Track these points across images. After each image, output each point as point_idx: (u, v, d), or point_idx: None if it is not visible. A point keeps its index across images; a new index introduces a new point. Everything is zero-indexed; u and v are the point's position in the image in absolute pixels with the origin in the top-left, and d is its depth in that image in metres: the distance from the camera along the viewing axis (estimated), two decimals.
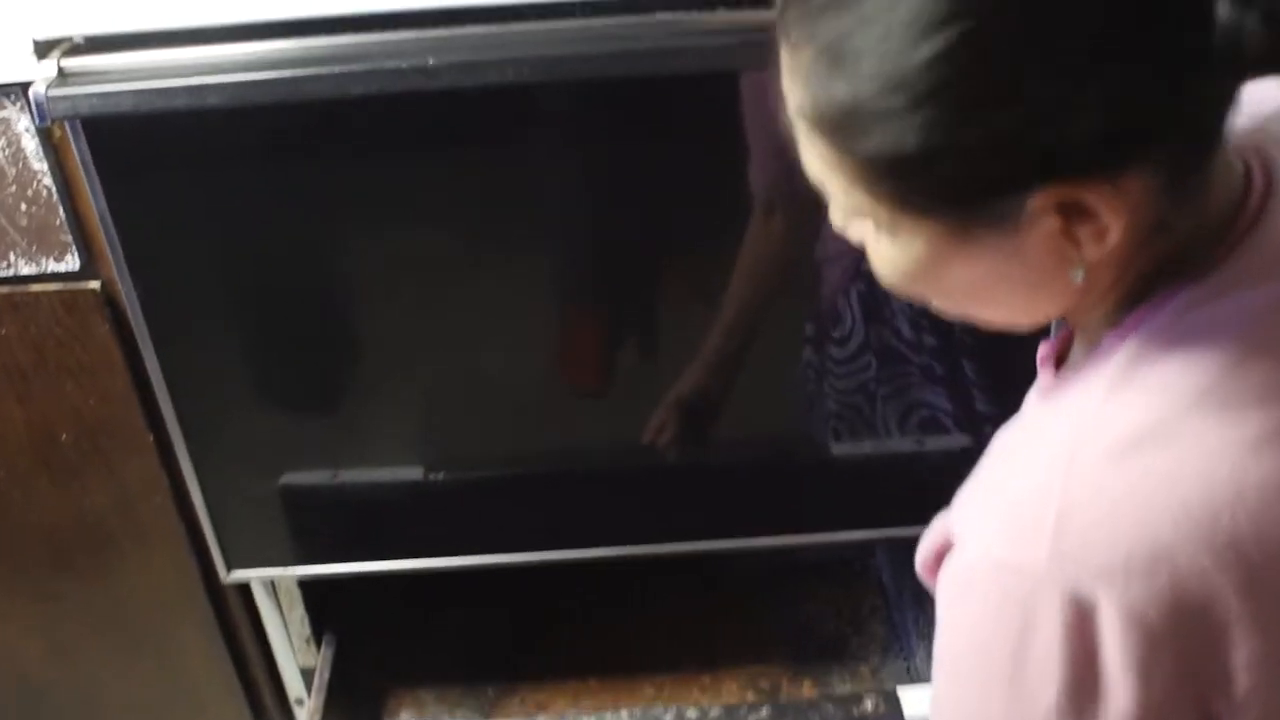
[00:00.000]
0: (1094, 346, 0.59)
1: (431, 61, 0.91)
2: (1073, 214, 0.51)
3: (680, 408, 1.17)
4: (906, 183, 0.52)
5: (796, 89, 0.54)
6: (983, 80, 0.48)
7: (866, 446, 1.25)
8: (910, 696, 1.17)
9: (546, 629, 1.49)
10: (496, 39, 0.95)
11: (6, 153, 1.03)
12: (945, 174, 0.51)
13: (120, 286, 1.08)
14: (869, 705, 1.09)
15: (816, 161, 0.56)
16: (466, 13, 0.95)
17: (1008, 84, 0.48)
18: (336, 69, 0.93)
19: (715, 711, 1.10)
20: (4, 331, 1.12)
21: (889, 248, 0.56)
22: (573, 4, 0.95)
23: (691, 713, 1.11)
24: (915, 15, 0.48)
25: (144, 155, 1.01)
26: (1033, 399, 0.66)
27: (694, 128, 1.03)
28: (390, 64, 0.92)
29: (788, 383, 1.20)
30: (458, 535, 1.30)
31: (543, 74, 0.92)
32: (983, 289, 0.57)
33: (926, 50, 0.48)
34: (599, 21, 0.94)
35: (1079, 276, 0.54)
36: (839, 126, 0.52)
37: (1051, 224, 0.52)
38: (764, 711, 1.10)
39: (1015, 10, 0.48)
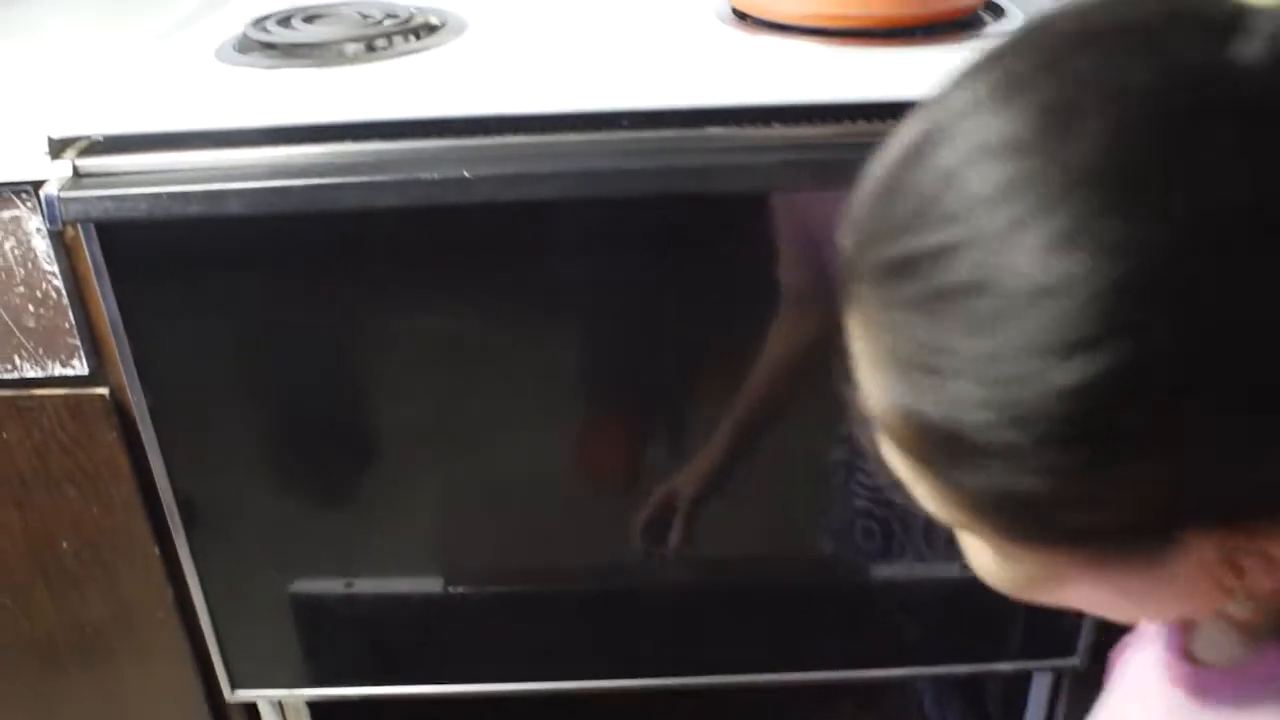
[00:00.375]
0: (1259, 643, 0.48)
1: (467, 174, 0.85)
2: (1238, 550, 0.41)
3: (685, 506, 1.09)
4: (1023, 521, 0.41)
5: (869, 376, 0.43)
6: (1135, 418, 0.37)
7: (906, 568, 1.17)
8: None
9: None
10: (532, 149, 0.89)
11: (16, 253, 0.98)
12: (1077, 520, 0.40)
13: (129, 392, 1.02)
14: None
15: (898, 465, 0.45)
16: (502, 121, 0.89)
17: (1168, 423, 0.37)
18: (365, 179, 0.87)
19: None
20: (5, 436, 1.06)
21: (993, 563, 0.47)
22: (618, 115, 0.88)
23: None
24: (1044, 331, 0.37)
25: (158, 260, 0.96)
26: (1162, 682, 0.55)
27: (728, 236, 0.97)
28: (424, 175, 0.86)
29: (816, 492, 1.12)
30: (476, 659, 1.22)
31: (588, 189, 0.86)
32: (1109, 604, 0.47)
33: (1060, 378, 0.37)
34: (647, 135, 0.88)
35: (1239, 604, 0.45)
36: (931, 451, 0.41)
37: (1208, 555, 0.42)
38: None
39: (1190, 330, 0.36)
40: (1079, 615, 1.10)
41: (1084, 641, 1.13)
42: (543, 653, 1.21)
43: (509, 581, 1.19)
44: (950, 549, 1.11)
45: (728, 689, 1.26)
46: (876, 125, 0.88)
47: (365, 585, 1.18)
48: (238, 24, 1.07)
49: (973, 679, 1.47)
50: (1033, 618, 1.12)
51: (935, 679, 1.53)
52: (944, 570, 1.16)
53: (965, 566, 0.49)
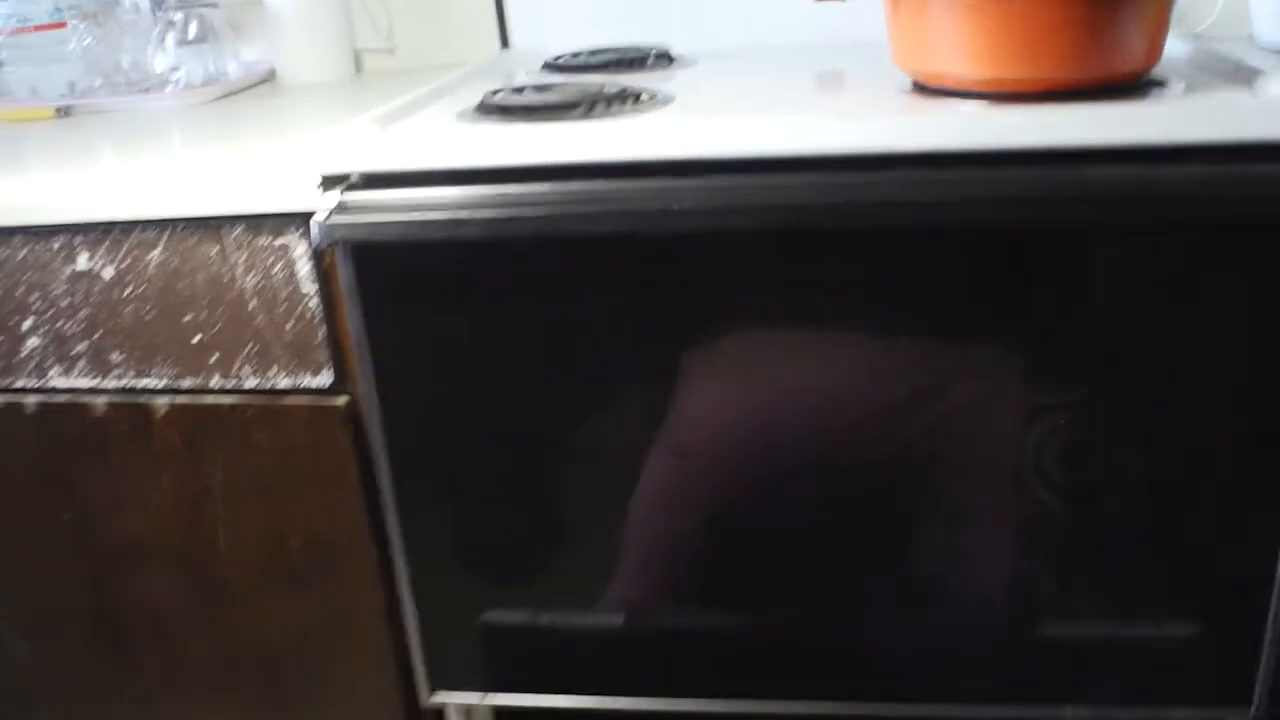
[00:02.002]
0: None
1: (675, 208, 0.97)
2: None
3: None
4: None
5: None
6: None
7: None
8: None
9: None
10: (729, 187, 1.00)
11: (281, 275, 1.13)
12: None
13: (365, 403, 1.15)
14: None
15: None
16: (704, 164, 1.01)
17: None
18: (584, 209, 0.99)
19: None
20: (257, 439, 1.20)
21: None
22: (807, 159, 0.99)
23: None
24: None
25: (402, 282, 1.10)
26: None
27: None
28: (645, 207, 0.98)
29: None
30: (668, 675, 1.28)
31: (787, 221, 0.96)
32: None
33: None
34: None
35: None
36: None
37: None
38: None
39: None
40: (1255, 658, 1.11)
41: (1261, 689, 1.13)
42: (737, 670, 1.26)
43: (708, 600, 1.24)
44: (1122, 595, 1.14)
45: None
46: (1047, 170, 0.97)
47: (563, 601, 1.26)
48: (475, 97, 1.23)
49: None
50: (1207, 661, 1.14)
51: None
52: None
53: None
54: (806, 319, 1.08)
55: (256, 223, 1.12)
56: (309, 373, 1.17)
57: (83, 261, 1.18)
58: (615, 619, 1.26)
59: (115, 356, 1.21)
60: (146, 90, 1.62)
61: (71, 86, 1.65)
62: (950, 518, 1.14)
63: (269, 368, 1.18)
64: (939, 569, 1.16)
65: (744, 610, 1.23)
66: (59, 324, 1.21)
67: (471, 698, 1.33)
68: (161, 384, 1.21)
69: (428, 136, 1.08)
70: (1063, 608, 1.17)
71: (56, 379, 1.23)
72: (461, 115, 1.19)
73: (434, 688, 1.31)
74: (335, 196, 1.06)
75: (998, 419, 1.09)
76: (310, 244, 1.11)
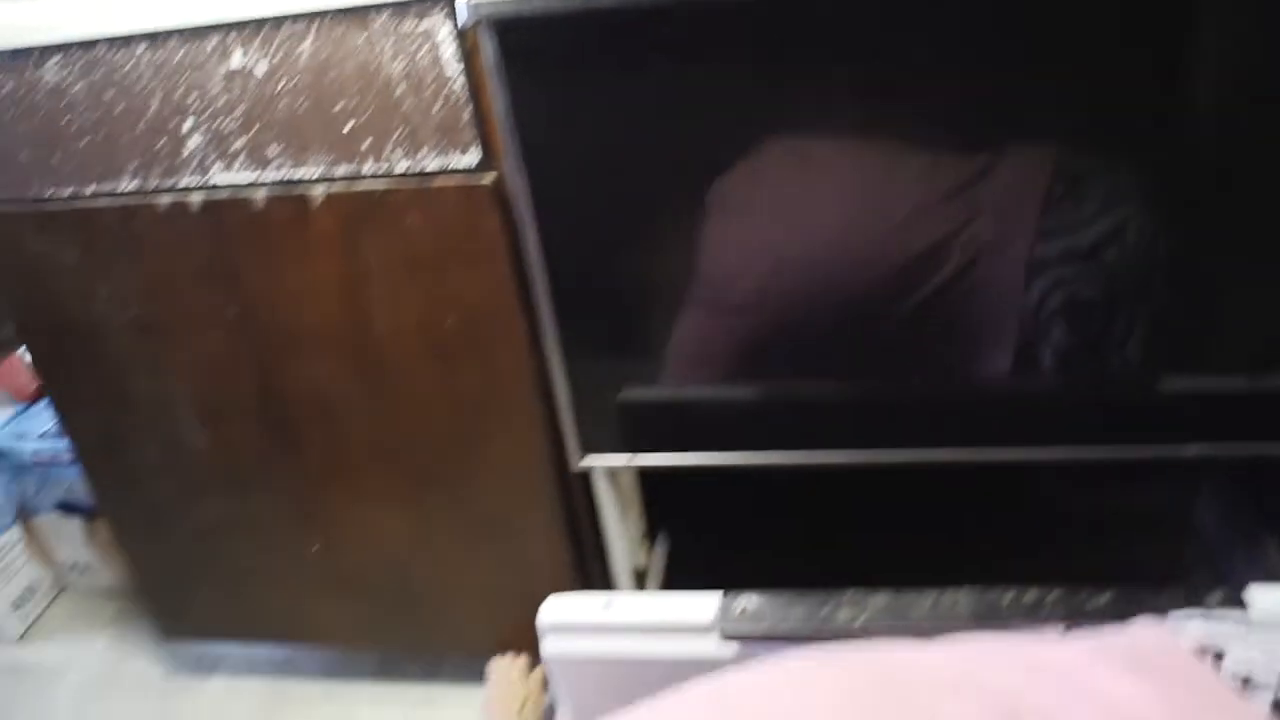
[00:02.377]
0: None
1: None
2: None
3: None
4: None
5: None
6: None
7: None
8: (1261, 595, 1.14)
9: (875, 539, 1.54)
10: None
11: (427, 58, 1.18)
12: None
13: (511, 181, 1.21)
14: (1217, 597, 1.09)
15: None
16: None
17: None
18: None
19: (1055, 595, 1.13)
20: (410, 221, 1.27)
21: None
22: None
23: (1030, 595, 1.14)
24: None
25: (545, 58, 1.13)
26: None
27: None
28: None
29: None
30: (797, 433, 1.35)
31: None
32: None
33: None
34: None
35: None
36: None
37: None
38: (1106, 597, 1.12)
39: None
40: None
41: None
42: (860, 426, 1.33)
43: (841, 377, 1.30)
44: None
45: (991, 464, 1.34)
46: None
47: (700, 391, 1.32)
48: None
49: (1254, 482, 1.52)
50: None
51: (1219, 500, 1.59)
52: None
53: None
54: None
55: (401, 9, 1.16)
56: (457, 151, 1.22)
57: (236, 59, 1.23)
58: (753, 383, 1.32)
59: (272, 150, 1.27)
60: None
61: None
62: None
63: (418, 150, 1.23)
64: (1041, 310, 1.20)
65: (859, 377, 1.30)
66: (217, 122, 1.27)
67: (618, 459, 1.41)
68: (317, 173, 1.27)
69: None
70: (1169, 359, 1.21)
71: (218, 176, 1.30)
72: None
73: (583, 452, 1.40)
74: None
75: None
76: (454, 25, 1.14)
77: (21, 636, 1.99)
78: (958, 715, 0.70)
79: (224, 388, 1.48)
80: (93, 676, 1.88)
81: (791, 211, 1.19)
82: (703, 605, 1.25)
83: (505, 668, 1.67)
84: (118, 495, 1.65)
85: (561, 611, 1.27)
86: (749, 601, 1.24)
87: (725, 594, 1.25)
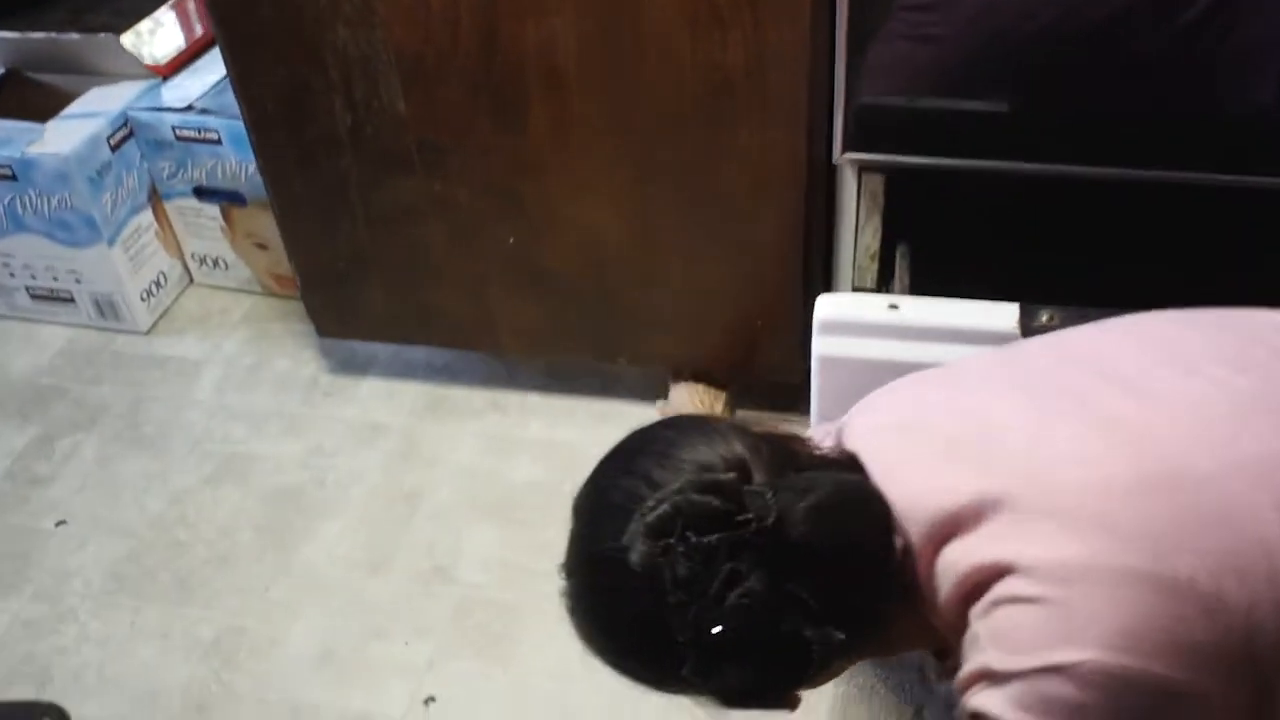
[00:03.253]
0: None
1: None
2: None
3: None
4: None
5: None
6: None
7: None
8: None
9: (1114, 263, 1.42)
10: None
11: None
12: None
13: None
14: None
15: None
16: None
17: None
18: None
19: None
20: None
21: None
22: None
23: None
24: None
25: None
26: None
27: None
28: None
29: None
30: (1068, 147, 1.23)
31: None
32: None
33: None
34: None
35: None
36: None
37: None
38: None
39: None
40: None
41: None
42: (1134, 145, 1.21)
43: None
44: None
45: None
46: None
47: None
48: None
49: None
50: None
51: None
52: None
53: None
54: None
55: None
56: None
57: None
58: (1017, 96, 1.20)
59: None
60: None
61: None
62: None
63: None
64: None
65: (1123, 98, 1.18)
66: None
67: (880, 157, 1.28)
68: None
69: None
70: None
71: None
72: None
73: (845, 148, 1.26)
74: None
75: None
76: None
77: (150, 330, 1.89)
78: None
79: (439, 44, 1.32)
80: (234, 372, 1.79)
81: None
82: (1000, 313, 1.13)
83: (693, 393, 1.57)
84: (290, 172, 1.51)
85: (839, 309, 1.16)
86: (1051, 312, 1.12)
87: (1023, 304, 1.14)
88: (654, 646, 0.70)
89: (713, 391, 1.60)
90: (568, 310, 1.54)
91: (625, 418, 1.62)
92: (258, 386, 1.76)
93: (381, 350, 1.77)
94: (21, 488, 1.63)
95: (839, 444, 0.81)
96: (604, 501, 0.74)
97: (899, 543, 0.74)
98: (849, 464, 0.78)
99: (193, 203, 1.84)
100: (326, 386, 1.74)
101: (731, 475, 0.70)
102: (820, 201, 1.36)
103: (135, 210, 1.83)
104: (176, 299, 1.95)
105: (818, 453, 0.78)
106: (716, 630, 0.67)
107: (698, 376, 1.59)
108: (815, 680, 0.76)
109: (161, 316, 1.91)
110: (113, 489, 1.61)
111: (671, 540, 0.68)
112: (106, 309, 1.86)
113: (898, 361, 1.15)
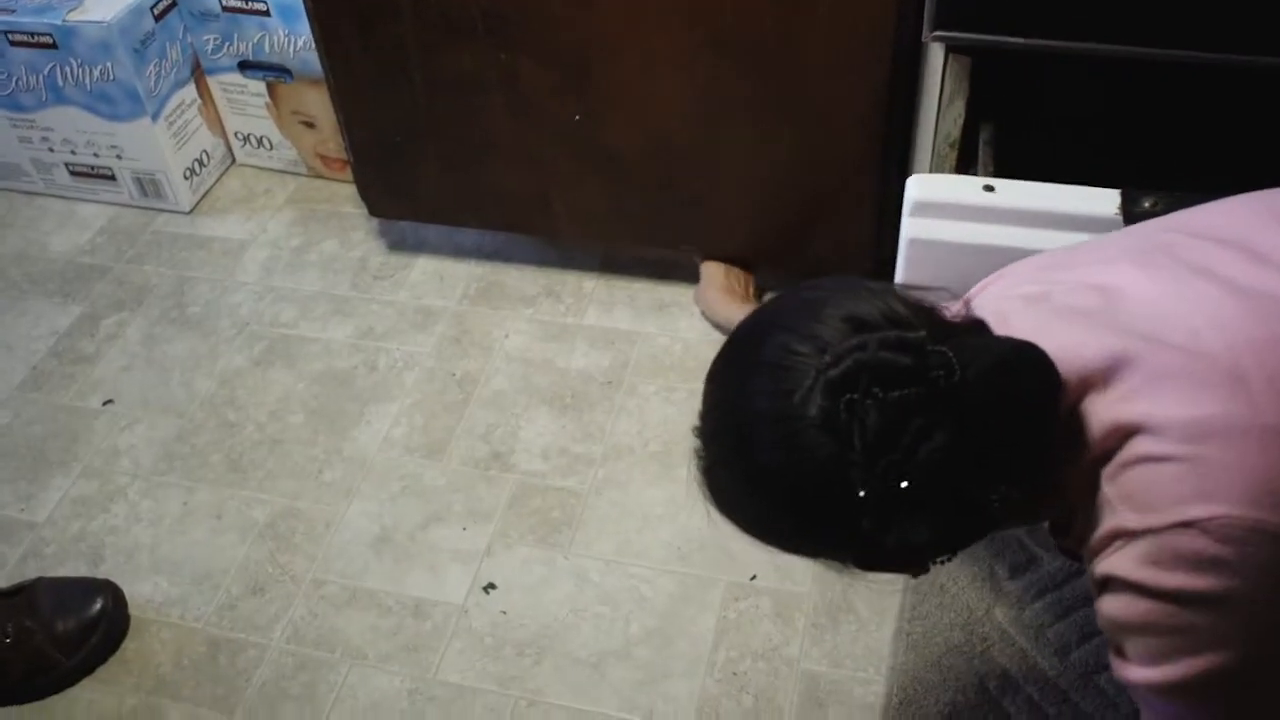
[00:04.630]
0: None
1: None
2: None
3: None
4: None
5: None
6: None
7: None
8: None
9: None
10: None
11: None
12: None
13: None
14: None
15: None
16: None
17: None
18: None
19: None
20: None
21: None
22: None
23: None
24: None
25: None
26: None
27: None
28: None
29: None
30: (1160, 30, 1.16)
31: None
32: None
33: None
34: None
35: None
36: None
37: None
38: None
39: None
40: None
41: None
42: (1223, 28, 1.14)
43: None
44: None
45: None
46: None
47: None
48: None
49: None
50: None
51: None
52: None
53: None
54: None
55: None
56: None
57: None
58: None
59: None
60: None
61: None
62: None
63: None
64: None
65: None
66: None
67: (970, 36, 1.21)
68: None
69: None
70: None
71: None
72: None
73: (935, 25, 1.19)
74: None
75: None
76: None
77: (192, 210, 1.84)
78: None
79: None
80: (280, 254, 1.75)
81: None
82: (1101, 198, 1.07)
83: (727, 272, 1.53)
84: (347, 38, 1.44)
85: (933, 190, 1.11)
86: (1156, 198, 1.06)
87: (1125, 190, 1.08)
88: (822, 503, 0.68)
89: (744, 274, 1.56)
90: (629, 194, 1.49)
91: (684, 307, 1.58)
92: (305, 269, 1.71)
93: (432, 233, 1.72)
94: (67, 366, 1.60)
95: (969, 313, 0.77)
96: (755, 360, 0.71)
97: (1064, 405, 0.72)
98: (985, 329, 0.74)
99: (237, 78, 1.78)
100: (376, 270, 1.70)
101: (920, 333, 0.67)
102: (903, 84, 1.30)
103: (179, 84, 1.77)
104: (219, 179, 1.90)
105: (957, 319, 0.74)
106: (905, 484, 0.65)
107: (728, 259, 1.54)
108: (975, 539, 0.74)
109: (204, 196, 1.87)
110: (160, 369, 1.58)
111: (856, 395, 0.65)
112: (149, 187, 1.81)
113: (991, 246, 1.10)
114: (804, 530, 0.73)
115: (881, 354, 0.66)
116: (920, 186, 1.11)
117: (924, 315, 0.71)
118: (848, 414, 0.66)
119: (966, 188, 1.10)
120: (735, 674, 1.19)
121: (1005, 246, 1.09)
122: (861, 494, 0.66)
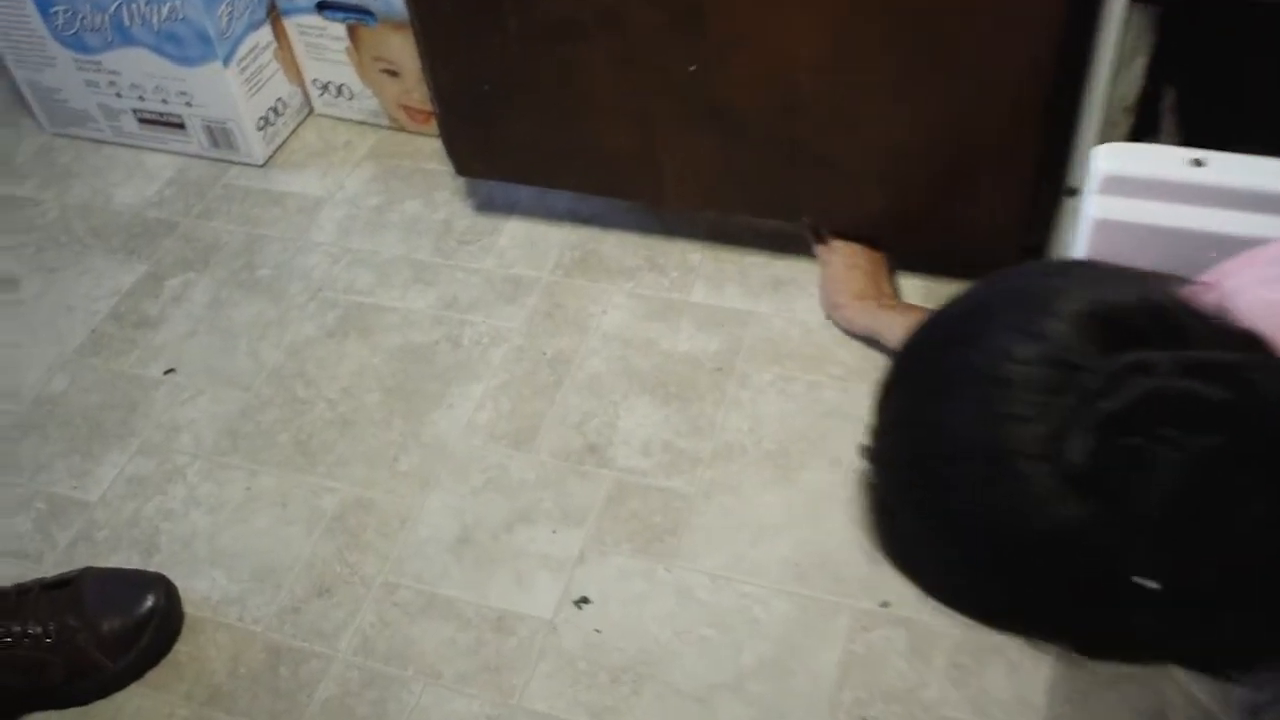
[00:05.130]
0: None
1: None
2: None
3: None
4: None
5: None
6: None
7: None
8: None
9: None
10: None
11: None
12: None
13: None
14: None
15: None
16: None
17: None
18: None
19: None
20: None
21: None
22: None
23: None
24: None
25: None
26: None
27: None
28: None
29: None
30: None
31: None
32: None
33: None
34: None
35: None
36: None
37: None
38: None
39: None
40: None
41: None
42: None
43: None
44: None
45: None
46: None
47: None
48: None
49: None
50: None
51: None
52: None
53: None
54: None
55: None
56: None
57: None
58: None
59: None
60: None
61: None
62: None
63: None
64: None
65: None
66: None
67: None
68: None
69: None
70: None
71: None
72: None
73: None
74: None
75: None
76: None
77: (266, 162, 1.70)
78: None
79: None
80: (358, 213, 1.60)
81: None
82: None
83: (855, 253, 1.35)
84: None
85: (1127, 163, 0.92)
86: None
87: None
88: (1062, 583, 0.50)
89: (876, 258, 1.38)
90: (746, 157, 1.32)
91: (802, 285, 1.41)
92: (385, 230, 1.57)
93: (523, 195, 1.56)
94: (128, 330, 1.48)
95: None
96: (960, 367, 0.53)
97: None
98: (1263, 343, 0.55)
99: (316, 20, 1.63)
100: (461, 234, 1.55)
101: (1236, 354, 0.49)
102: (1075, 34, 1.11)
103: (253, 26, 1.63)
104: (295, 130, 1.76)
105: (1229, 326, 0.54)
106: (1214, 571, 0.48)
107: (848, 236, 1.37)
108: None
109: (279, 148, 1.73)
110: (226, 336, 1.45)
111: (1143, 439, 0.47)
112: (220, 137, 1.68)
113: (1195, 231, 0.92)
114: (1022, 612, 0.54)
115: (1184, 382, 0.47)
116: (1111, 158, 0.92)
117: (1216, 326, 0.52)
118: (1131, 465, 0.47)
119: (1169, 161, 0.92)
120: (864, 719, 1.03)
121: (1214, 233, 0.91)
122: (1153, 585, 0.48)
